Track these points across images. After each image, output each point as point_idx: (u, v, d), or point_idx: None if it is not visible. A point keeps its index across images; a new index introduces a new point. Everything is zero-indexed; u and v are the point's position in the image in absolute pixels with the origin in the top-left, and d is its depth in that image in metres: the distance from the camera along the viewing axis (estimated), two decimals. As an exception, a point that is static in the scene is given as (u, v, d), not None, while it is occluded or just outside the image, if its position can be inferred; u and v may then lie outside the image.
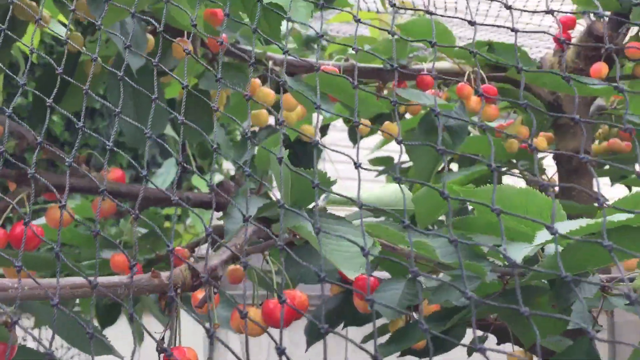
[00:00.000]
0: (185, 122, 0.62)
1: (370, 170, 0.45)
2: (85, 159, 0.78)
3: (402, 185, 0.82)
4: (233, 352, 0.45)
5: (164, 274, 0.56)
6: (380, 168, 1.73)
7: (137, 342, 1.23)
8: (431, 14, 0.57)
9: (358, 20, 0.64)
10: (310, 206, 0.71)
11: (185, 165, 0.57)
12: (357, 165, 0.41)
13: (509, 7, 0.58)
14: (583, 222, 0.51)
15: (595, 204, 1.21)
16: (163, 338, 0.55)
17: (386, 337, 0.82)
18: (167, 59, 0.95)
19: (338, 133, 2.08)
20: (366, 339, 0.96)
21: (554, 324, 0.73)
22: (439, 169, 1.61)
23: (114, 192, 0.78)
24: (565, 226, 0.51)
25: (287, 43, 0.59)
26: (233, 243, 0.72)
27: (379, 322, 0.91)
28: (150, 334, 0.45)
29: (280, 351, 0.34)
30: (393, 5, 0.66)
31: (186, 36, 0.90)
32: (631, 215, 0.49)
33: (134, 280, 0.54)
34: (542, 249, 0.66)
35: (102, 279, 0.52)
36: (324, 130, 1.96)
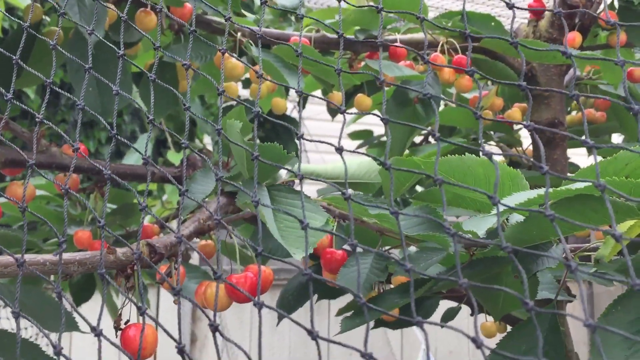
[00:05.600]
0: (155, 81, 0.61)
1: (315, 141, 0.44)
2: (45, 133, 0.76)
3: (369, 159, 0.81)
4: (172, 336, 0.44)
5: (120, 250, 0.55)
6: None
7: (112, 316, 1.23)
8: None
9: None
10: (279, 181, 0.70)
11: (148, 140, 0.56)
12: (299, 136, 0.40)
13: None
14: (537, 192, 0.50)
15: (570, 174, 1.21)
16: (120, 315, 0.55)
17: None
18: (132, 31, 0.93)
19: (316, 106, 2.06)
20: (341, 312, 0.96)
21: (521, 295, 0.73)
22: (418, 141, 1.61)
23: (76, 168, 0.76)
24: (517, 197, 0.51)
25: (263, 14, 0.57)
26: (197, 217, 0.71)
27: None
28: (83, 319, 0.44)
29: (214, 328, 0.33)
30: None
31: (149, 7, 0.88)
32: (589, 184, 0.48)
33: (88, 257, 0.53)
34: (507, 219, 0.66)
35: (52, 256, 0.51)
36: (302, 102, 1.94)
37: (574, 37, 1.08)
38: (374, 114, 0.52)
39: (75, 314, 0.78)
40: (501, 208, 0.33)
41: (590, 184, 0.49)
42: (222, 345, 2.37)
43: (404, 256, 0.33)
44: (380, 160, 0.36)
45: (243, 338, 2.37)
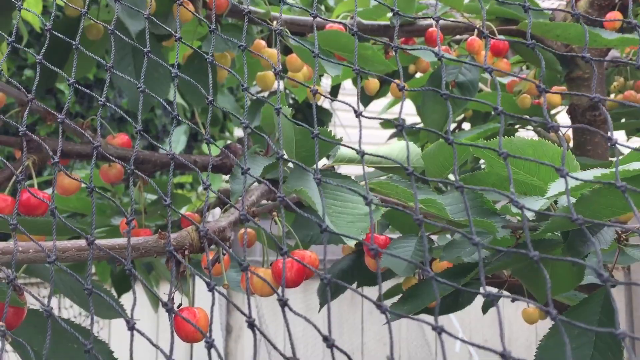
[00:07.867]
0: (178, 76, 0.61)
1: (372, 118, 0.44)
2: (90, 125, 0.77)
3: (410, 142, 0.81)
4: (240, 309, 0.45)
5: (172, 235, 0.55)
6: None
7: (153, 308, 1.24)
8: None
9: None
10: (320, 164, 0.70)
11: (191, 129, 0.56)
12: (358, 114, 0.40)
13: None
14: (597, 171, 0.49)
15: (611, 159, 1.19)
16: (173, 299, 0.55)
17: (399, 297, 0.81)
18: (170, 22, 0.94)
19: (347, 97, 2.05)
20: (383, 298, 0.95)
21: (568, 279, 0.72)
22: (451, 128, 1.59)
23: (121, 157, 0.77)
24: (578, 176, 0.50)
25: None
26: (242, 204, 0.72)
27: (392, 282, 0.90)
28: (157, 295, 0.45)
29: (283, 303, 0.33)
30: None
31: (188, -3, 0.88)
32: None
33: (141, 242, 0.54)
34: (555, 202, 0.65)
35: (107, 241, 0.52)
36: (333, 92, 1.93)
37: (615, 16, 1.05)
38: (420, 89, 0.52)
39: (116, 302, 0.79)
40: (570, 181, 0.32)
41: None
42: (259, 336, 2.38)
43: (470, 231, 0.33)
44: (444, 136, 0.36)
45: (277, 329, 2.40)
